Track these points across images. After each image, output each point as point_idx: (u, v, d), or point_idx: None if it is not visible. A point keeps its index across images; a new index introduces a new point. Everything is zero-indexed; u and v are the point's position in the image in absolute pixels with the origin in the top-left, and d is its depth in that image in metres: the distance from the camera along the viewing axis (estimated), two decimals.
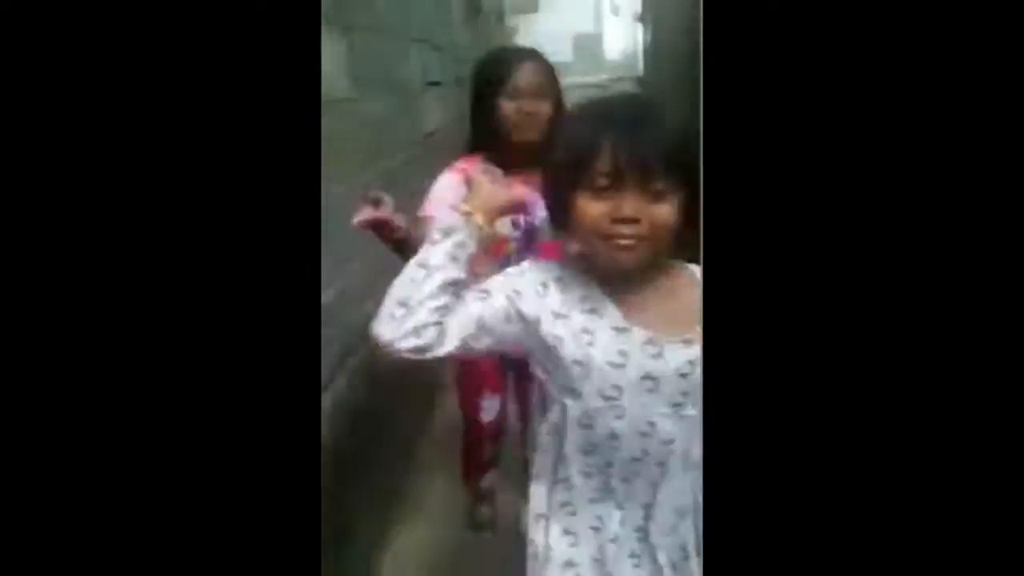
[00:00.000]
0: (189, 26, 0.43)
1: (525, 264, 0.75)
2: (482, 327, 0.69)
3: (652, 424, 0.70)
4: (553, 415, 0.73)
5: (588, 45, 9.49)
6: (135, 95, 0.43)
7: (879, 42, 0.44)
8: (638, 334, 0.68)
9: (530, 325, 0.69)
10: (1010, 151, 0.42)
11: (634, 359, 0.68)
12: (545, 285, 0.70)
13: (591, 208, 0.63)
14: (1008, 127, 0.42)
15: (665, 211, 0.63)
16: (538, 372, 0.74)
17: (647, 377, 0.68)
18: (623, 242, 0.63)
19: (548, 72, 1.18)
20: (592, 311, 0.69)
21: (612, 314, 0.69)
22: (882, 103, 0.44)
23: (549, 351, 0.69)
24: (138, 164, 0.43)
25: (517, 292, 0.70)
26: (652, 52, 5.00)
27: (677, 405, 0.70)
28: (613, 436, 0.71)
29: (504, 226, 1.13)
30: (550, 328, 0.69)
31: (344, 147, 1.43)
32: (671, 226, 0.64)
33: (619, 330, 0.68)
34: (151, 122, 0.43)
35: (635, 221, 0.62)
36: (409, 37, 2.09)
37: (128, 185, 0.43)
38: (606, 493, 0.74)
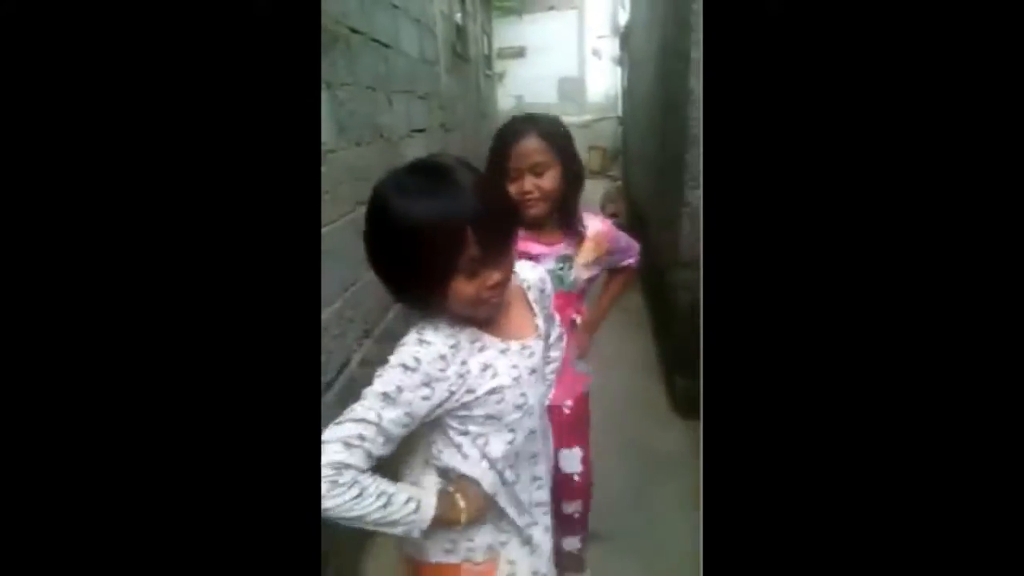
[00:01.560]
0: (195, 71, 0.46)
1: (414, 339, 0.75)
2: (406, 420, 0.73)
3: (543, 404, 0.91)
4: (479, 451, 0.79)
5: (572, 88, 9.86)
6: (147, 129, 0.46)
7: (868, 78, 0.44)
8: (515, 346, 0.81)
9: (442, 394, 0.74)
10: (1009, 152, 0.41)
11: (522, 365, 0.81)
12: (443, 355, 0.74)
13: (467, 288, 0.71)
14: (1007, 128, 0.41)
15: (514, 263, 0.76)
16: (449, 426, 0.79)
17: (532, 371, 0.83)
18: (493, 301, 0.75)
19: (551, 141, 1.12)
20: (481, 350, 0.78)
21: (493, 343, 0.79)
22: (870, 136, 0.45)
23: (464, 402, 0.76)
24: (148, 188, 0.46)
25: (424, 374, 0.73)
26: (629, 93, 5.23)
27: (547, 379, 0.95)
28: (532, 433, 0.86)
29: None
30: (460, 384, 0.75)
31: (327, 192, 1.54)
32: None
33: (504, 351, 0.80)
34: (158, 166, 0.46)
35: (501, 284, 0.73)
36: (392, 88, 2.23)
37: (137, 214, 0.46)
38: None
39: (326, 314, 1.49)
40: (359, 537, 1.65)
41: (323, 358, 1.46)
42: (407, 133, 2.43)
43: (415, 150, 2.51)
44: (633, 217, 4.50)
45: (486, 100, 5.48)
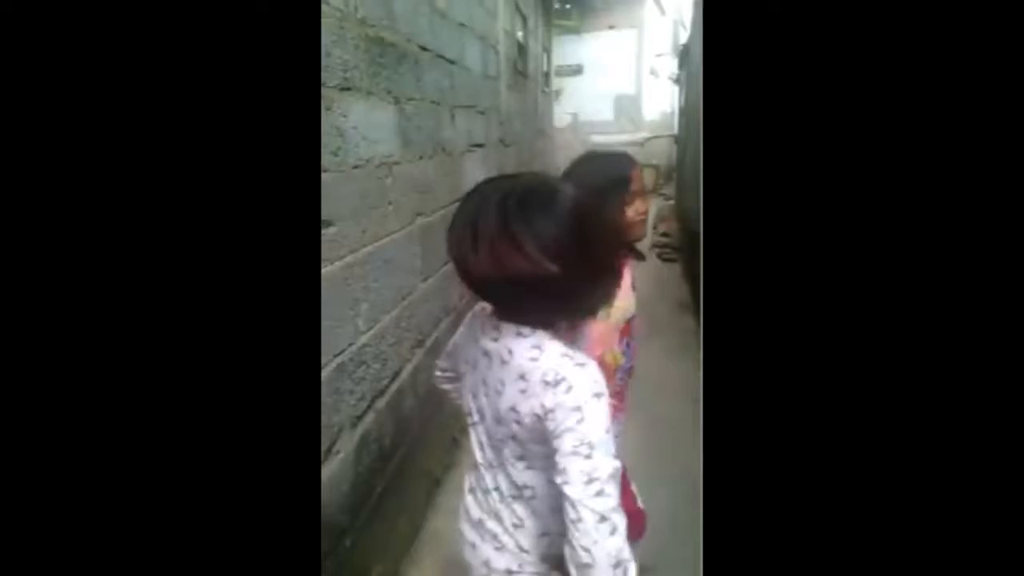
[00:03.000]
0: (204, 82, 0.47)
1: (570, 367, 0.73)
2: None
3: None
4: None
5: (628, 105, 9.82)
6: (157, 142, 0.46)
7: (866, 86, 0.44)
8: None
9: None
10: (1009, 151, 0.41)
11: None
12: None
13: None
14: (1007, 129, 0.41)
15: None
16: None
17: None
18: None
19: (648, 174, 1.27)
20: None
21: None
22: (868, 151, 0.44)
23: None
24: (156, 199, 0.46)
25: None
26: (685, 112, 5.16)
27: None
28: None
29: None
30: None
31: (390, 203, 1.58)
32: None
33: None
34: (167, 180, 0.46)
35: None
36: (455, 103, 2.29)
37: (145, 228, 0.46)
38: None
39: (383, 322, 1.52)
40: (401, 543, 1.67)
41: (378, 365, 1.50)
42: (467, 148, 2.48)
43: (474, 165, 2.56)
44: (684, 236, 4.42)
45: (543, 117, 5.54)
